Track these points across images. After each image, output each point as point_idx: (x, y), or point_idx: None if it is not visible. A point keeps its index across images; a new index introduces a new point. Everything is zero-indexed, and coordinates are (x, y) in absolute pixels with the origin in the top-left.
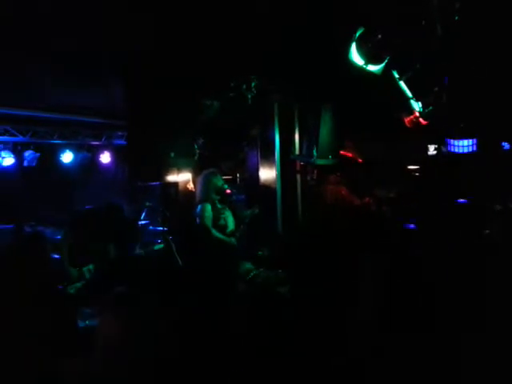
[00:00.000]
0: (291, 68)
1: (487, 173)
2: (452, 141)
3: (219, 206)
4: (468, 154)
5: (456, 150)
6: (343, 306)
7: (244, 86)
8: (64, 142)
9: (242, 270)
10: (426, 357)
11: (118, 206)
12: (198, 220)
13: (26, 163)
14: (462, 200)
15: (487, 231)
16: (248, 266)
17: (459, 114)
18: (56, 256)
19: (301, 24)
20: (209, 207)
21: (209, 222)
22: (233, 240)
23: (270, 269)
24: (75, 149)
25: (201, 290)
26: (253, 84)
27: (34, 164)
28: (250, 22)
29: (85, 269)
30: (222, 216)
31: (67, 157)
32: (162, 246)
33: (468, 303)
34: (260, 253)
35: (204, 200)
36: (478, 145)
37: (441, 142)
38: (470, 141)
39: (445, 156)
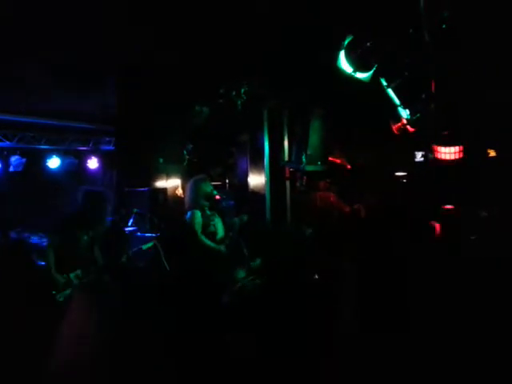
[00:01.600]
0: (281, 74)
1: (473, 179)
2: (439, 148)
3: (208, 212)
4: (454, 160)
5: (443, 157)
6: (329, 316)
7: (233, 92)
8: (51, 147)
9: (235, 279)
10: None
11: None
12: (187, 227)
13: (12, 168)
14: (448, 206)
15: (473, 237)
16: (242, 274)
17: (446, 121)
18: (42, 263)
19: (291, 32)
20: (198, 214)
21: (198, 228)
22: (222, 247)
23: (261, 277)
24: (62, 154)
25: (188, 297)
26: (242, 90)
27: (20, 169)
28: (240, 28)
29: (72, 275)
30: (212, 223)
31: (54, 162)
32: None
33: (455, 305)
34: (256, 261)
35: (193, 207)
36: (464, 152)
37: (428, 149)
38: (457, 148)
39: (431, 163)
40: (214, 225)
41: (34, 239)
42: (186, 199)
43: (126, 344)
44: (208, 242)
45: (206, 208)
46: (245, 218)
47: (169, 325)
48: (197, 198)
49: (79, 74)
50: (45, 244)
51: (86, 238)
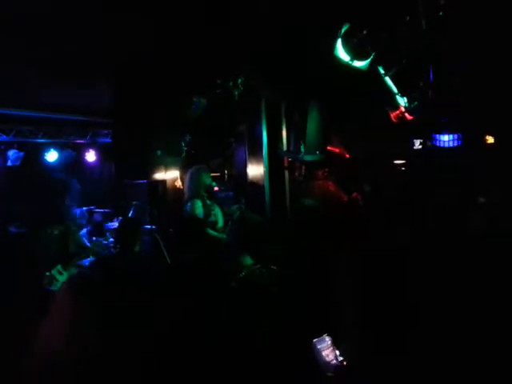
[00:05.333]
0: (278, 64)
1: (471, 166)
2: (437, 135)
3: (208, 202)
4: (452, 147)
5: (441, 145)
6: (330, 302)
7: (231, 83)
8: (48, 140)
9: (240, 265)
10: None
11: None
12: (188, 217)
13: (9, 163)
14: (445, 192)
15: (471, 223)
16: (248, 260)
17: (444, 109)
18: None
19: (287, 21)
20: (199, 203)
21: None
22: (224, 236)
23: (267, 265)
24: (60, 147)
25: (192, 287)
26: (239, 81)
27: (18, 163)
28: (236, 19)
29: (53, 271)
30: (213, 212)
31: (52, 156)
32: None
33: (451, 295)
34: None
35: (194, 196)
36: (462, 139)
37: (426, 137)
38: (455, 135)
39: (430, 150)
40: (214, 214)
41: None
42: (186, 189)
43: (126, 338)
44: (210, 231)
45: (206, 198)
46: (243, 205)
47: (173, 316)
48: (196, 187)
49: (75, 67)
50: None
51: (56, 232)
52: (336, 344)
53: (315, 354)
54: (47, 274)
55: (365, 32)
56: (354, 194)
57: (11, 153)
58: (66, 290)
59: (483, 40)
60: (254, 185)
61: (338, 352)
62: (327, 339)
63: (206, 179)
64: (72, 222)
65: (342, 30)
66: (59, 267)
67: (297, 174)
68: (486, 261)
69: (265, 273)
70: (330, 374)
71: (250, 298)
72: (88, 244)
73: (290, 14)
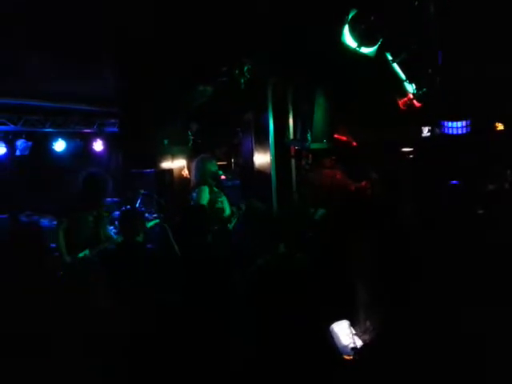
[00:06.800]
0: (284, 51)
1: (481, 153)
2: (446, 122)
3: (215, 189)
4: (462, 135)
5: (450, 132)
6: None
7: (237, 71)
8: (56, 130)
9: (274, 253)
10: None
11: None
12: (194, 203)
13: (18, 152)
14: (455, 181)
15: (481, 211)
16: (282, 248)
17: (452, 96)
18: (53, 245)
19: (294, 7)
20: (207, 190)
21: (206, 204)
22: (229, 225)
23: (290, 253)
24: (67, 137)
25: (199, 276)
26: (245, 68)
27: (26, 153)
28: (242, 6)
29: (81, 255)
30: (220, 199)
31: (60, 145)
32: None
33: (460, 280)
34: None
35: (200, 184)
36: (471, 126)
37: (434, 124)
38: (464, 122)
39: (439, 137)
40: (221, 201)
41: (44, 222)
42: (192, 178)
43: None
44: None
45: (213, 185)
46: (241, 210)
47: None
48: (202, 176)
49: (83, 56)
50: (54, 227)
51: (91, 218)
52: (353, 328)
53: (333, 338)
54: (73, 256)
55: (372, 18)
56: (363, 183)
57: (19, 142)
58: (72, 278)
59: (492, 25)
60: (261, 173)
61: (355, 336)
62: (345, 323)
63: (212, 167)
64: (104, 208)
65: (350, 16)
66: (87, 252)
67: (303, 162)
68: (494, 246)
69: (285, 261)
70: (347, 358)
71: (272, 284)
72: (114, 235)
73: (296, 1)
